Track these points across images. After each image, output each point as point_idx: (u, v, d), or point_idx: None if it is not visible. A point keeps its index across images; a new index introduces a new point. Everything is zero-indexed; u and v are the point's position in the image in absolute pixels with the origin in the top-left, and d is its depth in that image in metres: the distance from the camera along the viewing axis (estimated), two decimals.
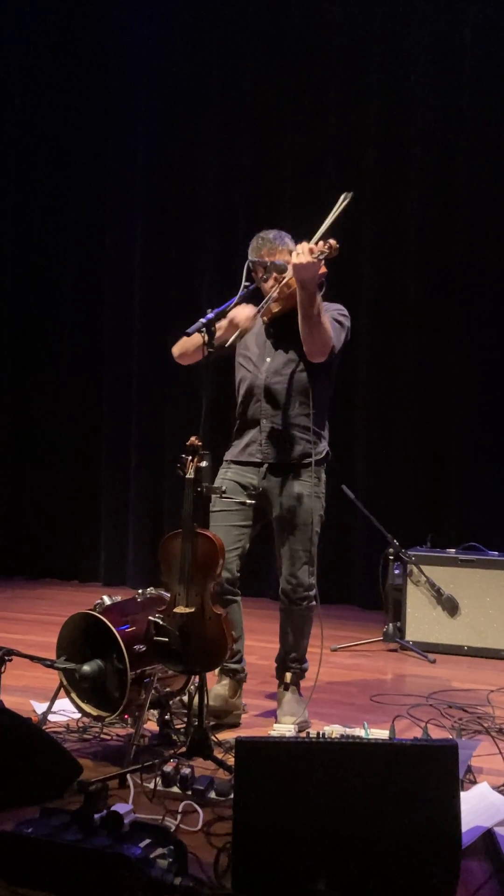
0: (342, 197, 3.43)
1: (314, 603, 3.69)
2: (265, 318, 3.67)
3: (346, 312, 3.70)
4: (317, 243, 3.34)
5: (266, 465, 3.66)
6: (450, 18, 5.97)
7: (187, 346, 3.53)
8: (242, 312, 3.50)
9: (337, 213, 3.44)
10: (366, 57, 6.17)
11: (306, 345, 3.53)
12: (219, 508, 3.59)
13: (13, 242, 7.18)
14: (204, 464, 3.09)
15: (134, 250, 6.84)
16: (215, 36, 6.59)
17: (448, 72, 5.99)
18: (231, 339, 3.49)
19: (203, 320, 3.21)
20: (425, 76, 6.03)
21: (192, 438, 3.12)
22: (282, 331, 3.64)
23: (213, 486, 3.14)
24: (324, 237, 3.42)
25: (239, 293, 3.38)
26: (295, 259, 3.33)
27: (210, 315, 3.22)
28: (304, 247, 3.33)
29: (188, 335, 3.28)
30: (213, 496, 3.21)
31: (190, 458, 3.10)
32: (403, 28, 6.07)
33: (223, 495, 3.31)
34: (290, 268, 3.47)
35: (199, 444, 3.11)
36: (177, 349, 3.66)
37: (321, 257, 3.31)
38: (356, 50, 6.20)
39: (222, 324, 3.50)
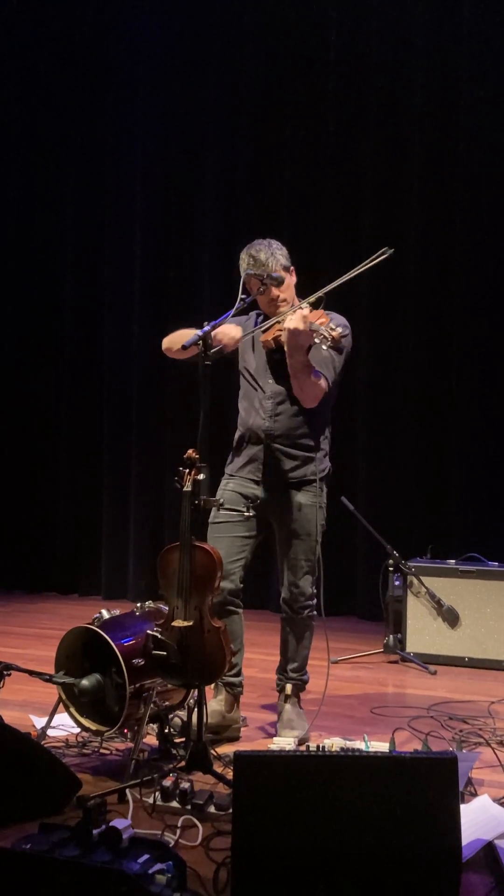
0: (382, 251, 3.42)
1: (315, 612, 3.69)
2: (266, 346, 3.65)
3: (347, 331, 3.59)
4: (326, 324, 3.26)
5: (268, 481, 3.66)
6: (446, 14, 6.00)
7: (175, 345, 3.54)
8: (228, 333, 3.43)
9: (371, 264, 3.42)
10: (364, 61, 6.19)
11: (296, 394, 3.54)
12: (221, 520, 3.60)
13: (13, 257, 7.20)
14: (201, 476, 3.09)
15: (133, 262, 6.87)
16: (214, 44, 6.63)
17: (446, 70, 6.01)
18: (211, 353, 3.45)
19: (200, 332, 3.22)
20: (423, 79, 6.05)
21: (190, 451, 3.12)
22: (284, 358, 3.60)
23: (210, 499, 3.14)
24: (323, 298, 3.46)
25: (235, 305, 3.38)
26: (288, 322, 3.29)
27: (207, 328, 3.23)
28: (300, 315, 3.27)
29: (185, 348, 3.29)
30: (214, 508, 3.21)
31: (187, 470, 3.10)
32: (401, 27, 6.09)
33: (222, 507, 3.30)
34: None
35: (197, 456, 3.11)
36: (166, 342, 3.65)
37: (318, 337, 3.23)
38: (354, 55, 6.22)
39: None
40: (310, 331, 3.27)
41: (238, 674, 3.71)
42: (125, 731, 3.33)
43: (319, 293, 3.53)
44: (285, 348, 3.43)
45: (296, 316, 3.29)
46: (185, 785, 2.88)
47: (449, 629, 5.05)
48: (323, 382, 3.51)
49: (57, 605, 6.64)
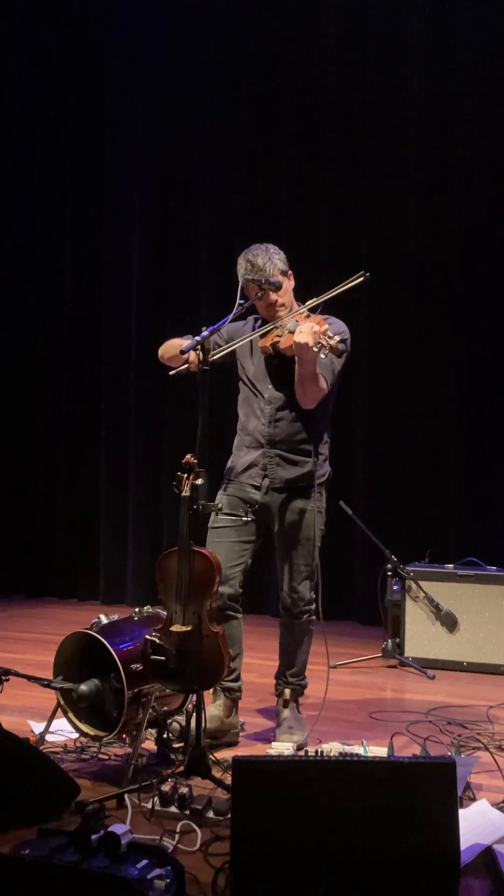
0: (359, 275, 3.45)
1: (314, 617, 3.69)
2: (265, 352, 3.66)
3: (346, 335, 3.59)
4: (325, 332, 3.28)
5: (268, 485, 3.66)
6: (444, 16, 6.02)
7: (170, 352, 3.57)
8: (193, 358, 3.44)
9: (346, 287, 3.45)
10: (361, 59, 6.19)
11: (298, 396, 3.54)
12: (220, 525, 3.60)
13: (11, 261, 7.20)
14: (200, 481, 3.09)
15: (131, 267, 6.87)
16: (212, 45, 6.63)
17: (444, 72, 6.01)
18: (173, 373, 3.51)
19: (198, 338, 3.23)
20: (421, 76, 6.06)
21: (188, 456, 3.12)
22: (283, 363, 3.61)
23: (209, 504, 3.14)
24: (326, 306, 3.49)
25: (233, 310, 3.39)
26: (298, 337, 3.29)
27: (205, 333, 3.23)
28: (309, 328, 3.27)
29: (183, 353, 3.30)
30: (213, 513, 3.22)
31: (186, 475, 3.10)
32: (399, 28, 6.10)
33: (221, 512, 3.30)
34: (286, 333, 3.48)
35: (195, 461, 3.11)
36: (161, 350, 3.66)
37: (319, 350, 3.25)
38: (353, 56, 6.23)
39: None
40: (316, 349, 3.27)
41: (237, 679, 3.71)
42: (124, 736, 3.33)
43: (309, 304, 3.54)
44: (296, 358, 3.42)
45: (306, 330, 3.27)
46: (183, 790, 2.87)
47: (447, 633, 5.05)
48: (323, 383, 3.51)
49: (55, 610, 6.63)
